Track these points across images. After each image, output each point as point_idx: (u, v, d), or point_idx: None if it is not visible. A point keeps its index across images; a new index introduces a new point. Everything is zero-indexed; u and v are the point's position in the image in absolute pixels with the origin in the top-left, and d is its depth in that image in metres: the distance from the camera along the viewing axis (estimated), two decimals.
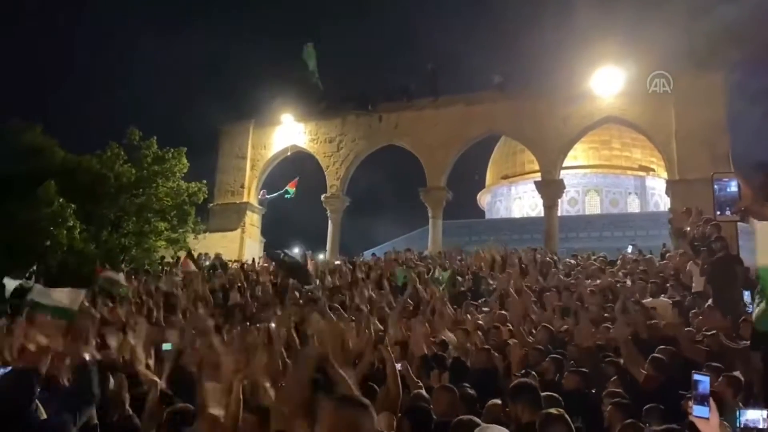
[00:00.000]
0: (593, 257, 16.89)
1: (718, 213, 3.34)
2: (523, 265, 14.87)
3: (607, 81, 22.77)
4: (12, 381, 3.62)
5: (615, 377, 6.28)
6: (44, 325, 5.49)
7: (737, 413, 3.54)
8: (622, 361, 6.44)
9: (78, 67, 69.67)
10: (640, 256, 15.67)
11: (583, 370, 6.48)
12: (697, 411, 2.84)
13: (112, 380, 5.98)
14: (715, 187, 3.34)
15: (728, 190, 3.30)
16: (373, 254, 23.94)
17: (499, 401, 5.34)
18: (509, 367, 7.29)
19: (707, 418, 2.83)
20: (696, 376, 2.91)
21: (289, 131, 28.51)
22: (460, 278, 14.88)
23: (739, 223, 16.49)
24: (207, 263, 20.56)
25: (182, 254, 21.90)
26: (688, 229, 12.10)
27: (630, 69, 22.20)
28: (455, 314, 10.43)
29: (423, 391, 5.92)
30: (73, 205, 21.52)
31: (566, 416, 3.73)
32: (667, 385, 5.53)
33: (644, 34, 20.77)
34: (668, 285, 10.97)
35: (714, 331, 7.36)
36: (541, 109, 23.84)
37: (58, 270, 20.36)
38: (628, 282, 11.72)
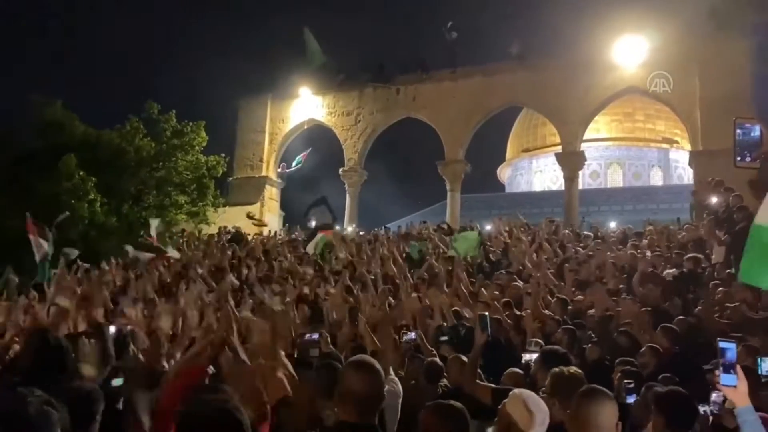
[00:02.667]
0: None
1: (738, 158, 3.18)
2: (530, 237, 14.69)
3: (630, 50, 22.24)
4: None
5: (644, 348, 6.18)
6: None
7: (758, 361, 3.47)
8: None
9: (97, 41, 69.87)
10: (659, 228, 15.40)
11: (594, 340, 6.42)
12: (725, 380, 2.78)
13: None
14: (738, 131, 3.17)
15: (751, 135, 3.13)
16: (387, 228, 23.88)
17: (517, 370, 5.34)
18: (523, 338, 7.25)
19: (735, 386, 2.77)
20: (722, 344, 2.81)
21: (306, 104, 28.40)
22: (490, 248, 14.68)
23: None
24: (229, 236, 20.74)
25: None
26: (715, 199, 11.83)
27: (653, 37, 21.66)
28: (472, 287, 10.36)
29: (437, 359, 5.98)
30: (93, 179, 21.71)
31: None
32: (681, 355, 5.45)
33: (667, 0, 20.18)
34: (688, 255, 10.77)
35: (736, 303, 7.23)
36: (562, 79, 23.39)
37: (79, 243, 20.63)
38: (648, 254, 11.54)
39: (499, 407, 3.24)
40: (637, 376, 5.03)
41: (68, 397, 2.84)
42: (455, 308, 8.58)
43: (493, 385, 4.73)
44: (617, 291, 8.98)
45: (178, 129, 25.40)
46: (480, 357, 4.75)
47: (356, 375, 2.73)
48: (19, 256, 15.68)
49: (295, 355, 5.88)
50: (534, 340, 6.44)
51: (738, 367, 2.79)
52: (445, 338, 6.97)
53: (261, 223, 24.08)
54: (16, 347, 7.17)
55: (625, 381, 4.70)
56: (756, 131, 3.10)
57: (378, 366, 2.83)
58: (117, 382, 3.99)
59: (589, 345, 6.37)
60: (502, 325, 7.28)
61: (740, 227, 8.89)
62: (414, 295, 9.23)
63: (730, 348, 2.80)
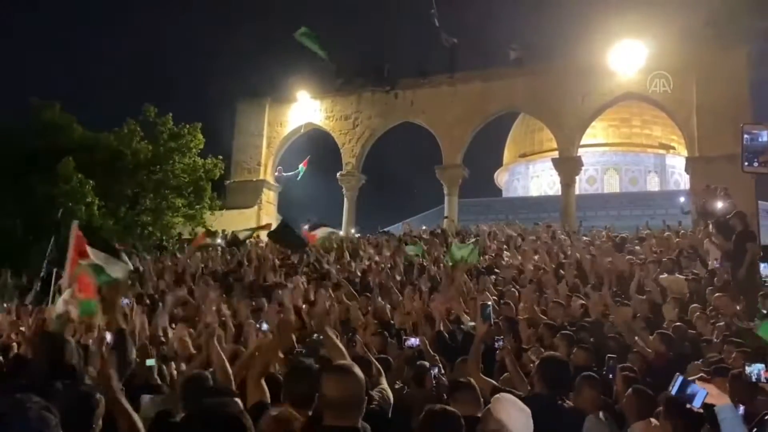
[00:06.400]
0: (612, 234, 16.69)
1: (746, 164, 3.20)
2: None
3: (627, 56, 22.29)
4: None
5: (630, 354, 6.19)
6: None
7: (745, 366, 3.55)
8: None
9: (95, 44, 69.94)
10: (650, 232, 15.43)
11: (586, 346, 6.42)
12: (698, 401, 2.85)
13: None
14: (745, 137, 3.19)
15: (759, 140, 3.15)
16: (384, 231, 23.80)
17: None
18: (519, 344, 7.25)
19: (707, 393, 2.85)
20: (679, 379, 2.88)
21: (304, 108, 28.43)
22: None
23: (760, 201, 16.18)
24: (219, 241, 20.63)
25: (200, 230, 22.13)
26: (720, 205, 11.83)
27: (650, 44, 21.75)
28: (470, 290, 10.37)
29: (426, 363, 5.93)
30: (91, 182, 21.68)
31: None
32: (676, 360, 5.48)
33: (665, 6, 20.25)
34: (682, 259, 10.84)
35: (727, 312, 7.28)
36: (559, 85, 23.49)
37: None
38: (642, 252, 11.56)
39: (483, 412, 3.30)
40: (634, 381, 5.05)
41: (67, 400, 2.85)
42: (454, 313, 8.60)
43: (495, 382, 4.75)
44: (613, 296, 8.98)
45: (175, 132, 25.35)
46: (481, 347, 4.78)
47: (332, 379, 2.79)
48: (18, 257, 15.63)
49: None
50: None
51: (698, 382, 2.88)
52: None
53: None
54: (14, 347, 7.20)
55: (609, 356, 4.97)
56: (764, 136, 3.12)
57: (355, 369, 2.86)
58: (150, 362, 4.01)
59: (576, 349, 6.30)
60: (499, 329, 7.29)
61: (738, 232, 8.94)
62: (417, 300, 9.21)
63: (682, 381, 2.88)
